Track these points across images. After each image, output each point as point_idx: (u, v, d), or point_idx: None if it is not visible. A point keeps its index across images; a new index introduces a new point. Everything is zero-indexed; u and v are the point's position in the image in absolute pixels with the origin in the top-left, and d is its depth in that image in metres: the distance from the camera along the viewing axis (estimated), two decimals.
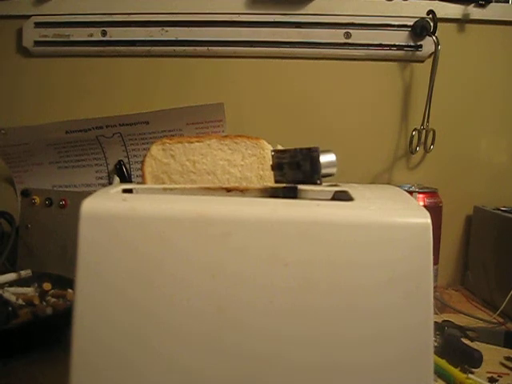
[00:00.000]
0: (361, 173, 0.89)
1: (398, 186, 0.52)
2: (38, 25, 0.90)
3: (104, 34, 0.89)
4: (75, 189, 0.85)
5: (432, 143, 0.88)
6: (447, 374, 0.51)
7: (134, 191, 0.40)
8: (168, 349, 0.32)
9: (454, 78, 0.89)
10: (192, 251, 0.32)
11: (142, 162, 0.47)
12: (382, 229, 0.32)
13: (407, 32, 0.87)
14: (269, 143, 0.50)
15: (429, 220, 0.33)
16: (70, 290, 0.63)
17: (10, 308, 0.57)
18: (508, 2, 0.88)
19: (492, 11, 0.87)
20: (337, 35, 0.88)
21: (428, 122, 0.86)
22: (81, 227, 0.33)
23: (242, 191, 0.41)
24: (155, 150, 0.47)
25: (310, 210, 0.33)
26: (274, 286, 0.32)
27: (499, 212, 0.79)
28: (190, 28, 0.89)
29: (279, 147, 0.48)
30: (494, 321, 0.69)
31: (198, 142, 0.47)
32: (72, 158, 0.84)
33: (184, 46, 0.89)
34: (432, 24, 0.84)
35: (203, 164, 0.47)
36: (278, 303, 0.32)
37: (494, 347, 0.61)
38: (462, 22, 0.88)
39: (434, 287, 0.32)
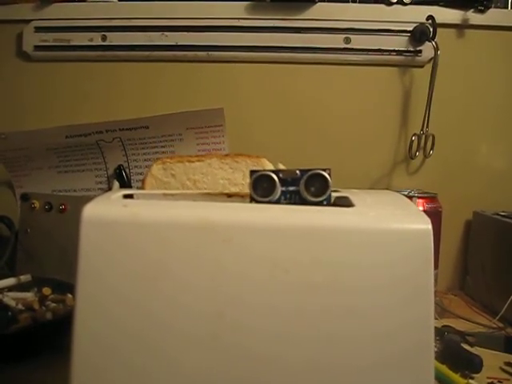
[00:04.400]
0: (360, 178, 0.89)
1: (398, 191, 0.53)
2: (38, 29, 0.90)
3: (104, 38, 0.90)
4: (75, 193, 0.85)
5: (431, 148, 0.88)
6: (447, 379, 0.51)
7: (134, 197, 0.40)
8: (170, 351, 0.32)
9: (453, 82, 0.89)
10: (193, 256, 0.32)
11: (143, 181, 0.47)
12: (382, 235, 0.32)
13: (407, 37, 0.87)
14: (270, 155, 0.49)
15: (429, 226, 0.33)
16: (69, 295, 0.63)
17: (10, 313, 0.57)
18: (507, 8, 0.88)
19: (491, 17, 0.87)
20: (336, 40, 0.88)
21: (427, 127, 0.86)
22: (82, 233, 0.33)
23: (243, 197, 0.41)
24: (156, 169, 0.47)
25: (311, 215, 0.33)
26: (275, 290, 0.32)
27: (498, 217, 0.79)
28: (190, 33, 0.89)
29: (280, 166, 0.47)
30: (494, 326, 0.69)
31: (198, 161, 0.47)
32: (72, 163, 0.84)
33: (184, 50, 0.89)
34: (431, 29, 0.85)
35: (204, 183, 0.46)
36: (279, 306, 0.32)
37: (494, 352, 0.61)
38: (462, 27, 0.88)
39: (434, 292, 0.32)
